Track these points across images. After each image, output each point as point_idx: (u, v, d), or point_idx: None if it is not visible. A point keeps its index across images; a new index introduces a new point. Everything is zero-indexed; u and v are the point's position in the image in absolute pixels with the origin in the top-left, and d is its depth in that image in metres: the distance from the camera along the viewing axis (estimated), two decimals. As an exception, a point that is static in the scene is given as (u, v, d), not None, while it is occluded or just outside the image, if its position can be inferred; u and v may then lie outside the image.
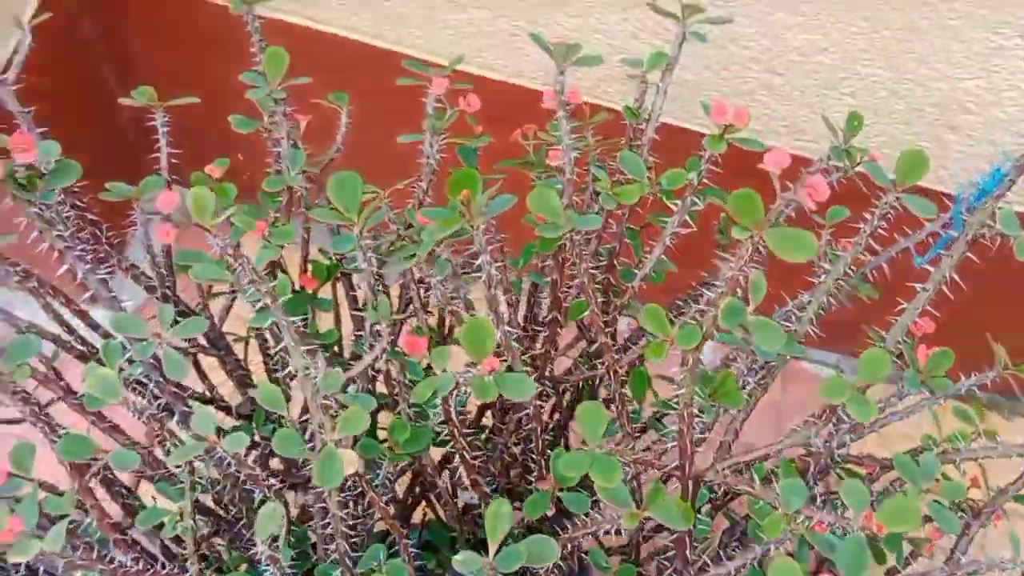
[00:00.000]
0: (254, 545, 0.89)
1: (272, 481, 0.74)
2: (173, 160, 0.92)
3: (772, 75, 1.17)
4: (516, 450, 0.98)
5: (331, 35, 1.31)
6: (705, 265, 0.99)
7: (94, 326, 0.96)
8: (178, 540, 0.94)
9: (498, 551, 0.68)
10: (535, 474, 0.91)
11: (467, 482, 1.04)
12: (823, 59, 1.13)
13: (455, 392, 0.75)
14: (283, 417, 0.80)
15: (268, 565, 0.71)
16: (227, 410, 0.98)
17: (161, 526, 0.79)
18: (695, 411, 0.68)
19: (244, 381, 1.00)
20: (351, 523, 0.74)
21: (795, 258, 0.56)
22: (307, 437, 0.72)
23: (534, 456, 0.88)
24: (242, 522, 0.89)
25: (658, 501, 0.68)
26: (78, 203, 0.84)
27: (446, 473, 0.98)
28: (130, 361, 0.80)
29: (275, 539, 0.93)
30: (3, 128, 0.77)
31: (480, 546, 0.98)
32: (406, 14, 1.24)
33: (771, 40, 1.13)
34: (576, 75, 1.26)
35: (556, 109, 0.82)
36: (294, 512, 0.98)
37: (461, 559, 0.68)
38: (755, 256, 0.59)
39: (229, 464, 0.75)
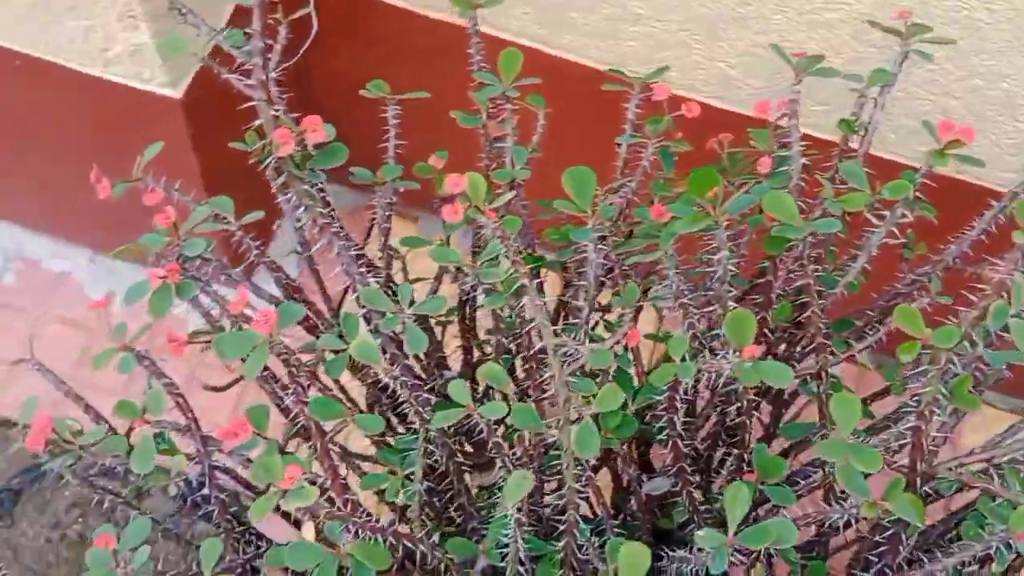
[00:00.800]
0: (460, 514, 0.94)
1: (513, 452, 0.79)
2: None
3: (949, 98, 1.20)
4: (700, 446, 1.02)
5: (511, 43, 1.36)
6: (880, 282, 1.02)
7: (307, 301, 1.02)
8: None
9: (736, 531, 0.72)
10: (728, 466, 0.95)
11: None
12: (1004, 85, 1.16)
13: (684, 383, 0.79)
14: (503, 394, 0.85)
15: (514, 529, 0.75)
16: (431, 390, 1.03)
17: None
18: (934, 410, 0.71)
19: (441, 363, 1.05)
20: (584, 496, 0.78)
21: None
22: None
23: (735, 450, 0.92)
24: (450, 493, 0.94)
25: (895, 495, 0.71)
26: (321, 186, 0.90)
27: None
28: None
29: (470, 507, 0.97)
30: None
31: (661, 536, 1.02)
32: (589, 25, 1.29)
33: (955, 64, 1.15)
34: (745, 90, 1.30)
35: (785, 119, 0.86)
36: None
37: (703, 535, 0.72)
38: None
39: (471, 433, 0.80)
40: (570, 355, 0.76)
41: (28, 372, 1.74)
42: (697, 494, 0.93)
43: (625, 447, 0.96)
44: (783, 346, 0.98)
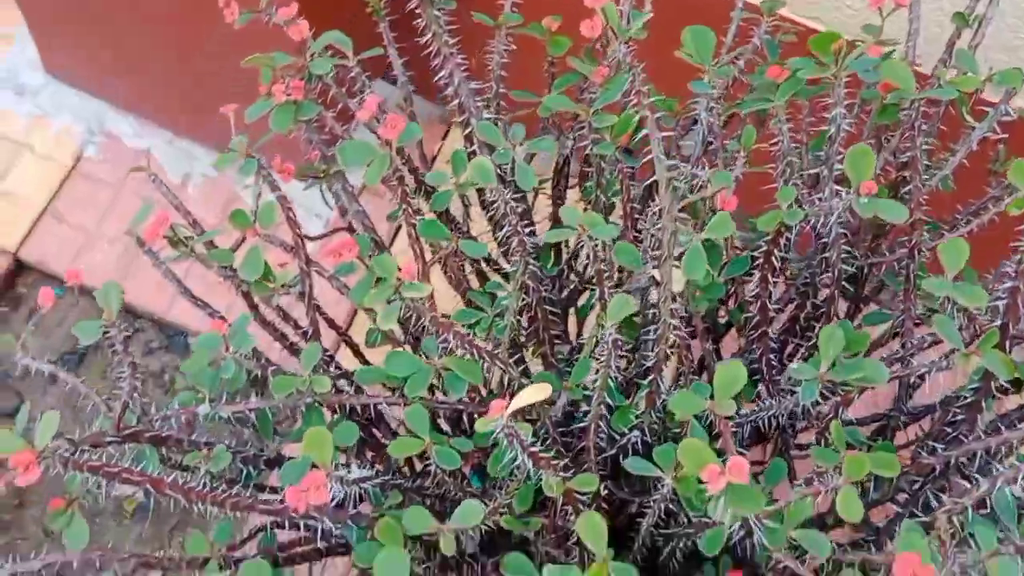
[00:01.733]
0: (542, 362, 0.97)
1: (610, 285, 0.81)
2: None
3: (1048, 33, 1.21)
4: (774, 335, 1.04)
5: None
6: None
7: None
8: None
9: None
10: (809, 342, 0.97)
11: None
12: (1107, 22, 1.17)
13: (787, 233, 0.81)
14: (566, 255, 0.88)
15: (609, 350, 0.77)
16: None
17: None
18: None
19: (527, 215, 1.07)
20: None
21: None
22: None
23: (816, 326, 0.94)
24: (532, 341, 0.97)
25: (987, 348, 0.73)
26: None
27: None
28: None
29: (551, 356, 1.00)
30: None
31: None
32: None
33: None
34: (844, 12, 1.30)
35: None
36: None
37: (797, 367, 0.74)
38: None
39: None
40: (680, 189, 0.78)
41: (103, 242, 1.78)
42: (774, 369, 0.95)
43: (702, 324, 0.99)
44: (870, 237, 1.00)
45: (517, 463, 0.73)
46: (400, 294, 0.74)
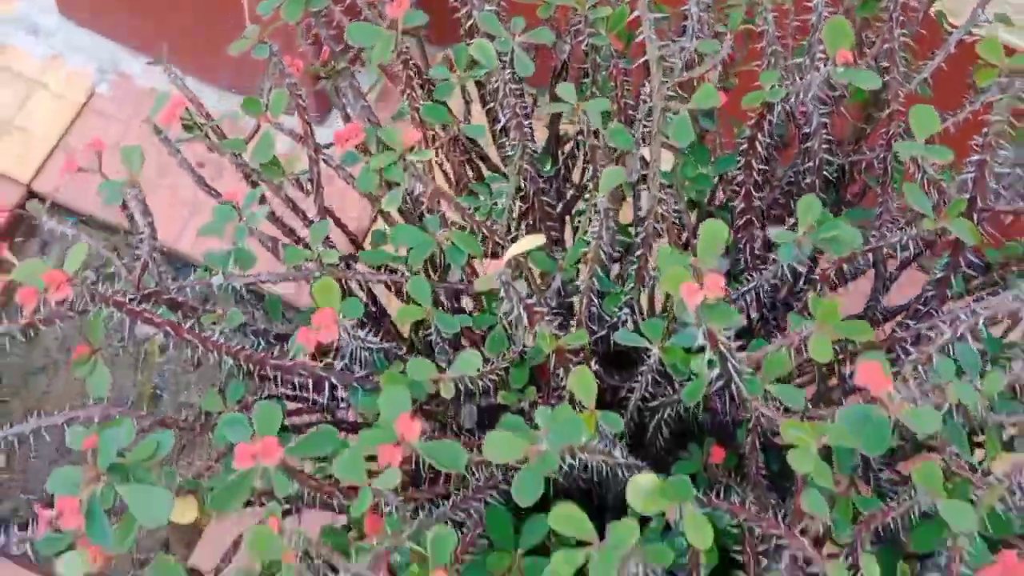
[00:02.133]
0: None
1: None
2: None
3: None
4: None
5: None
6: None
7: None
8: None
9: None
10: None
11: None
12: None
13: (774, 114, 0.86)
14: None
15: (602, 218, 0.82)
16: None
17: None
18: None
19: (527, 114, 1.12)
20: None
21: None
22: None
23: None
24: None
25: (953, 215, 0.78)
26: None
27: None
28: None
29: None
30: None
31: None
32: None
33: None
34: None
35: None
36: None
37: (776, 232, 0.79)
38: None
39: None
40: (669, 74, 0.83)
41: (113, 175, 1.83)
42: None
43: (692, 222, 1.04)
44: (853, 141, 1.04)
45: (513, 316, 0.78)
46: (404, 159, 0.79)
